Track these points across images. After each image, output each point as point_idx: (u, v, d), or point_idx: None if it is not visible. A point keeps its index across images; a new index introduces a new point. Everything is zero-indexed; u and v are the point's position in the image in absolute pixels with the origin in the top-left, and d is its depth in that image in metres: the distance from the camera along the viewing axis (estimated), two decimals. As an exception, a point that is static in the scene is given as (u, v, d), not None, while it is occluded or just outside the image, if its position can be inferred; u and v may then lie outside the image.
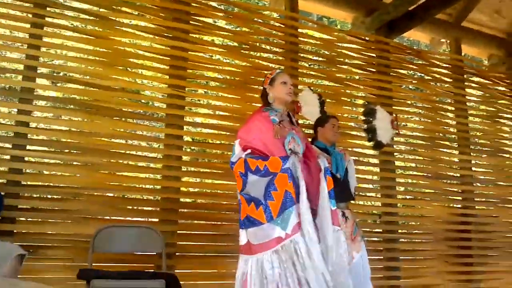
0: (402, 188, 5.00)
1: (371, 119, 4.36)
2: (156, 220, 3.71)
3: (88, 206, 3.48)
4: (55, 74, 3.92)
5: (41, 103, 3.86)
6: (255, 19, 4.46)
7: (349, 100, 4.95)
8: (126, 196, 3.69)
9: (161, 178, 3.81)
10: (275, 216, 2.59)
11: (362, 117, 4.47)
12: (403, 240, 4.73)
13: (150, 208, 3.86)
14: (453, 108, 5.51)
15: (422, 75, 5.55)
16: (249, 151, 2.75)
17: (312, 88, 4.26)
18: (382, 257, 4.54)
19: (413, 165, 5.10)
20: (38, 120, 3.69)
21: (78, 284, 3.04)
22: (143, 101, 4.08)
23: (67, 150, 3.55)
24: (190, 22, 4.06)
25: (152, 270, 3.43)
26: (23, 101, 3.42)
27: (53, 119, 3.70)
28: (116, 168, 3.79)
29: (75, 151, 3.54)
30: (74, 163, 3.56)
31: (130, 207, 3.69)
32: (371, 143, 4.38)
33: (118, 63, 3.82)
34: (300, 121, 4.13)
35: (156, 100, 4.12)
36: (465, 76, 5.63)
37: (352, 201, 4.13)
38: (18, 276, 2.66)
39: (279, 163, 2.65)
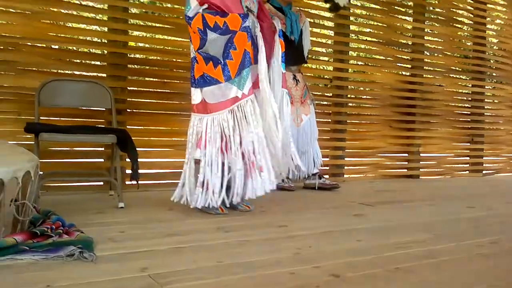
0: (354, 54, 4.99)
1: (330, -21, 4.19)
2: (104, 75, 3.56)
3: (31, 57, 3.27)
4: None
5: None
6: None
7: (308, -43, 4.68)
8: (71, 49, 3.49)
9: (108, 31, 3.59)
10: (233, 76, 2.57)
11: (321, -23, 4.30)
12: (351, 104, 4.84)
13: (97, 63, 3.68)
14: (412, -26, 5.35)
15: None
16: (205, 6, 2.60)
17: None
18: (330, 120, 4.65)
19: (367, 30, 5.05)
20: (-34, -40, 3.28)
21: (27, 137, 2.96)
22: None
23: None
24: None
25: (103, 126, 3.38)
26: None
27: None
28: (58, 18, 3.51)
29: (12, -3, 3.23)
30: (11, 10, 3.26)
31: (77, 61, 3.49)
32: (328, 5, 4.27)
33: None
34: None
35: None
36: None
37: (304, 65, 4.12)
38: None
39: (239, 21, 2.56)
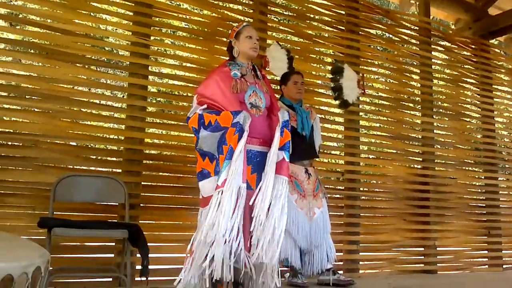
0: (365, 148, 5.06)
1: (338, 77, 4.37)
2: (119, 171, 3.64)
3: (49, 154, 3.38)
4: (13, 16, 3.72)
5: (-1, 46, 3.67)
6: (226, -32, 4.33)
7: (317, 57, 4.92)
8: (88, 146, 3.60)
9: (125, 128, 3.72)
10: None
11: (330, 75, 4.48)
12: (364, 197, 4.83)
13: (113, 159, 3.78)
14: (418, 71, 5.56)
15: (390, 36, 5.54)
16: (205, 106, 2.74)
17: (280, 43, 4.21)
18: (342, 214, 4.62)
19: (377, 125, 5.16)
20: (-4, 64, 3.50)
21: (39, 232, 2.98)
22: (106, 48, 3.92)
23: (27, 96, 3.41)
24: (157, -33, 3.90)
25: (115, 220, 3.40)
26: (-22, 42, 3.22)
27: (12, 63, 3.50)
28: (78, 117, 3.67)
29: (35, 97, 3.40)
30: (34, 109, 3.43)
31: (93, 157, 3.59)
32: (337, 102, 4.41)
33: (80, 7, 3.65)
34: (270, 77, 4.09)
35: (120, 47, 3.96)
36: (432, 39, 5.67)
37: (316, 159, 4.18)
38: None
39: (230, 118, 2.63)
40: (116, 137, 3.75)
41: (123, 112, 3.78)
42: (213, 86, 2.79)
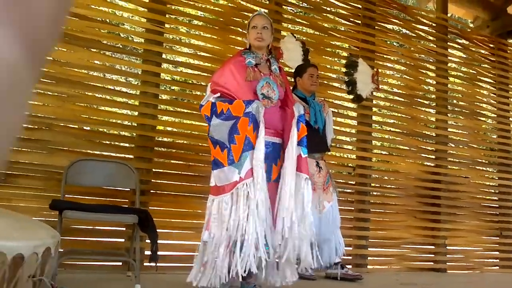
0: (378, 143, 5.03)
1: (352, 71, 4.35)
2: (131, 156, 3.65)
3: (62, 137, 3.40)
4: None
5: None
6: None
7: (331, 50, 4.88)
8: (102, 131, 3.62)
9: (138, 115, 3.74)
10: (236, 160, 2.60)
11: (344, 69, 4.45)
12: (374, 193, 4.79)
13: (125, 144, 3.79)
14: (434, 68, 5.50)
15: (407, 31, 5.49)
16: (218, 94, 2.74)
17: (295, 35, 4.18)
18: (353, 208, 4.60)
19: (391, 121, 5.12)
20: (11, 47, 3.51)
21: (51, 214, 3.00)
22: (122, 34, 3.93)
23: (41, 79, 3.43)
24: (174, -46, 3.90)
25: (125, 206, 3.41)
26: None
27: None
28: (92, 101, 3.68)
29: (49, 81, 3.42)
30: (48, 92, 3.45)
31: (106, 142, 3.61)
32: (350, 96, 4.38)
33: (97, -8, 3.66)
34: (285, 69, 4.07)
35: (135, 34, 3.97)
36: (449, 36, 5.61)
37: (328, 152, 4.16)
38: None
39: (242, 107, 2.64)
40: (129, 123, 3.77)
41: (137, 99, 3.79)
42: (227, 75, 2.79)
